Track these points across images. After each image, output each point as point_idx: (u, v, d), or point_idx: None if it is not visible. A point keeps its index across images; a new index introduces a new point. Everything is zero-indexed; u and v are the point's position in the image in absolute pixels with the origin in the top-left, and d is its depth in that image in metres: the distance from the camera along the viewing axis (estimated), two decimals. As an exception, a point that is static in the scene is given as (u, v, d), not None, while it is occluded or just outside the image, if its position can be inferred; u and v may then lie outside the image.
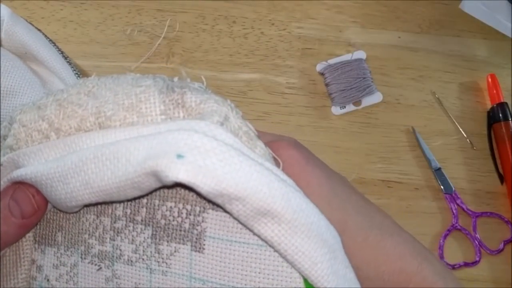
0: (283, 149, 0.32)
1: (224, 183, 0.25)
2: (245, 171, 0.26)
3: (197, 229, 0.29)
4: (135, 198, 0.30)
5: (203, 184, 0.25)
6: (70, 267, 0.32)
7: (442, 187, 0.62)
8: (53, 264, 0.33)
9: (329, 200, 0.31)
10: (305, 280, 0.28)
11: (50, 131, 0.30)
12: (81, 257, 0.32)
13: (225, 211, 0.28)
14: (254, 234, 0.28)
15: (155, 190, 0.29)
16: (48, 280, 0.33)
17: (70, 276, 0.32)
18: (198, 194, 0.26)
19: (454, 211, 0.61)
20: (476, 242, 0.61)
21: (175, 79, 0.30)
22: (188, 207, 0.30)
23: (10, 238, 0.31)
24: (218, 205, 0.27)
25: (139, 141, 0.27)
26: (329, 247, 0.28)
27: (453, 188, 0.62)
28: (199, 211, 0.29)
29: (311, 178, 0.32)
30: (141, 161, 0.26)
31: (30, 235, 0.33)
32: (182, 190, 0.30)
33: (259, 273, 0.28)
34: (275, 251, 0.28)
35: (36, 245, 0.33)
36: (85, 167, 0.28)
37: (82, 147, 0.29)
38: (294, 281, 0.28)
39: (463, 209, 0.61)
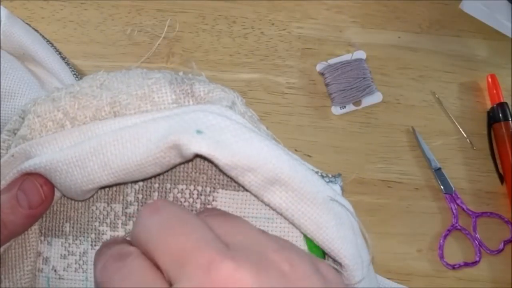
0: None
1: (238, 156, 0.27)
2: (256, 145, 0.28)
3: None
4: (152, 177, 0.31)
5: (222, 156, 0.27)
6: (79, 256, 0.33)
7: (442, 187, 0.62)
8: (61, 255, 0.33)
9: None
10: (310, 248, 0.30)
11: (66, 121, 0.31)
12: (91, 245, 0.33)
13: (233, 188, 0.30)
14: (264, 203, 0.30)
15: (172, 168, 0.31)
16: (55, 271, 0.33)
17: (79, 264, 0.33)
18: (216, 166, 0.29)
19: (454, 211, 0.61)
20: (476, 242, 0.61)
21: (180, 73, 0.33)
22: (199, 188, 0.31)
23: (17, 228, 0.32)
24: (231, 178, 0.30)
25: (157, 122, 0.29)
26: (335, 214, 0.30)
27: (453, 188, 0.62)
28: (210, 191, 0.31)
29: None
30: (161, 137, 0.28)
31: (35, 227, 0.34)
32: (193, 172, 0.31)
33: None
34: (281, 221, 0.30)
35: (42, 238, 0.34)
36: (104, 149, 0.29)
37: (98, 133, 0.30)
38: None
39: (463, 209, 0.61)
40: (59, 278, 0.33)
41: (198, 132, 0.27)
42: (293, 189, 0.29)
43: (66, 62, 0.41)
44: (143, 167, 0.29)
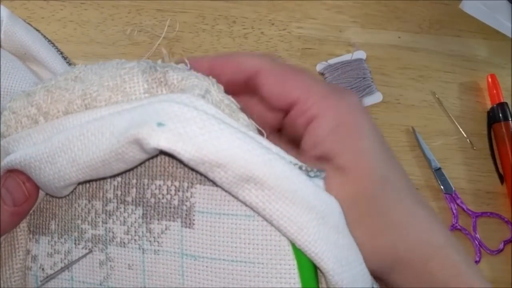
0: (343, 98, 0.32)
1: (205, 150, 0.25)
2: (226, 138, 0.26)
3: (186, 205, 0.30)
4: (122, 173, 0.30)
5: (184, 151, 0.25)
6: (64, 254, 0.32)
7: (442, 187, 0.62)
8: (48, 253, 0.33)
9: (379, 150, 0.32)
10: (294, 247, 0.28)
11: (39, 116, 0.31)
12: (75, 243, 0.32)
13: (212, 184, 0.28)
14: (240, 201, 0.28)
15: (140, 164, 0.29)
16: (43, 269, 0.33)
17: (65, 263, 0.32)
18: (186, 166, 0.27)
19: (454, 211, 0.61)
20: (476, 242, 0.61)
21: (159, 61, 0.31)
22: (177, 183, 0.30)
23: (3, 226, 0.32)
24: (202, 175, 0.28)
25: (122, 115, 0.28)
26: (317, 213, 0.27)
27: (453, 188, 0.62)
28: (187, 187, 0.30)
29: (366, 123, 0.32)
30: (123, 131, 0.27)
31: (24, 225, 0.33)
32: (170, 167, 0.30)
33: (249, 243, 0.28)
34: (262, 218, 0.28)
35: (31, 235, 0.33)
36: (71, 145, 0.28)
37: (68, 127, 0.30)
38: (283, 249, 0.28)
39: (463, 209, 0.61)
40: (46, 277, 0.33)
41: (159, 124, 0.25)
42: (269, 187, 0.26)
43: (67, 62, 0.41)
44: (107, 163, 0.28)
